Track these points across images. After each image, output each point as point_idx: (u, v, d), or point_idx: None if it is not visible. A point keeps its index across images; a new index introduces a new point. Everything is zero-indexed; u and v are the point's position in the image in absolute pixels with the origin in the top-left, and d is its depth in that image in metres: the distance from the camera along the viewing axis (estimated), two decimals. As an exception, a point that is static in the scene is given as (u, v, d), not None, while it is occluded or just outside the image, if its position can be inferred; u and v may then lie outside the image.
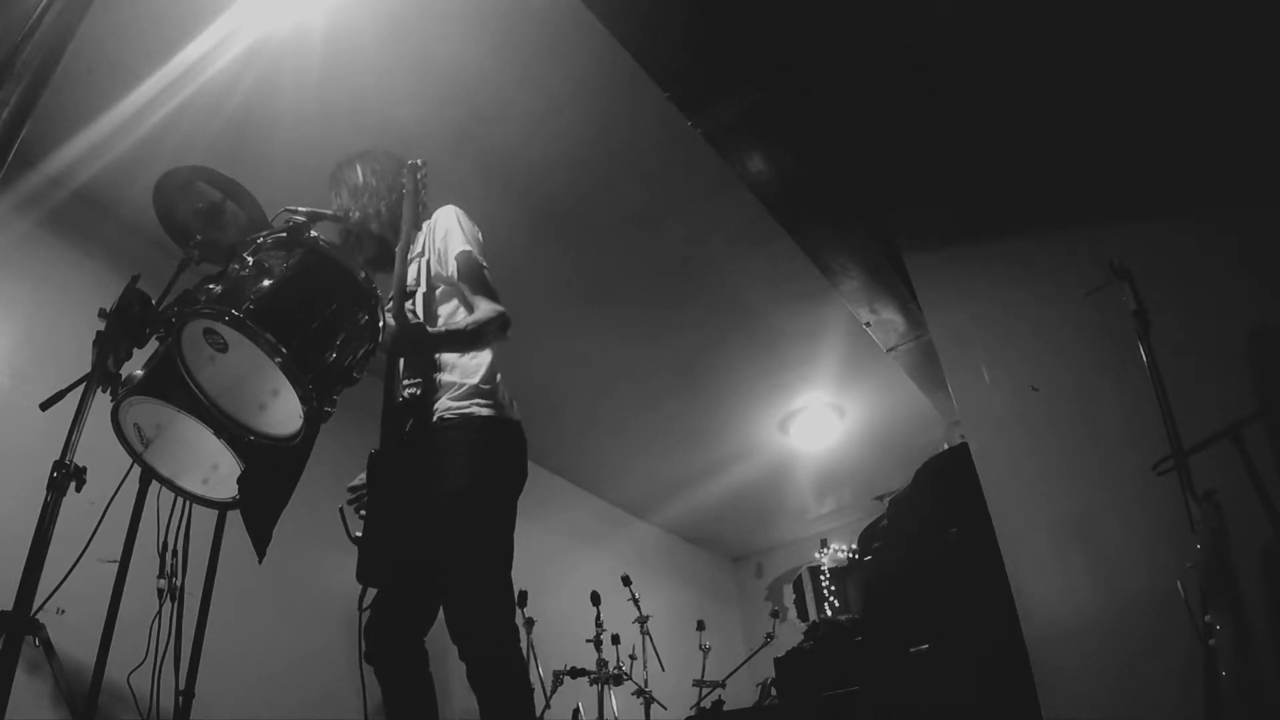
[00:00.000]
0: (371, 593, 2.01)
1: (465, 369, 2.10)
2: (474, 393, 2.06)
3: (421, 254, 2.22)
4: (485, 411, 2.05)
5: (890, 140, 3.29)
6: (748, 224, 3.69)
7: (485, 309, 2.06)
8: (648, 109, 3.03)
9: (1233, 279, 2.49)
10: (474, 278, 2.11)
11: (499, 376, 2.16)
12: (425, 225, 2.23)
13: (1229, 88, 2.67)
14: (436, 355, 2.09)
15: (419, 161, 2.07)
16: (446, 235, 2.16)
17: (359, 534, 2.04)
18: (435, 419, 2.02)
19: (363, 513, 2.10)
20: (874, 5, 2.76)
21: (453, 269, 2.12)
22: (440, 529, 1.92)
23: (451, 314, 2.14)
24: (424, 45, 2.93)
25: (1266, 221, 2.48)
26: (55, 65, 0.95)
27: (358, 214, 2.24)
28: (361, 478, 2.16)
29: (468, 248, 2.12)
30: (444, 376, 2.08)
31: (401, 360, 2.09)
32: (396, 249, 2.00)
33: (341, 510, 2.19)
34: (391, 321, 1.89)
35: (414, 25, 2.85)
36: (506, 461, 2.08)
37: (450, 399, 2.05)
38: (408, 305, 1.97)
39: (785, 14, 2.74)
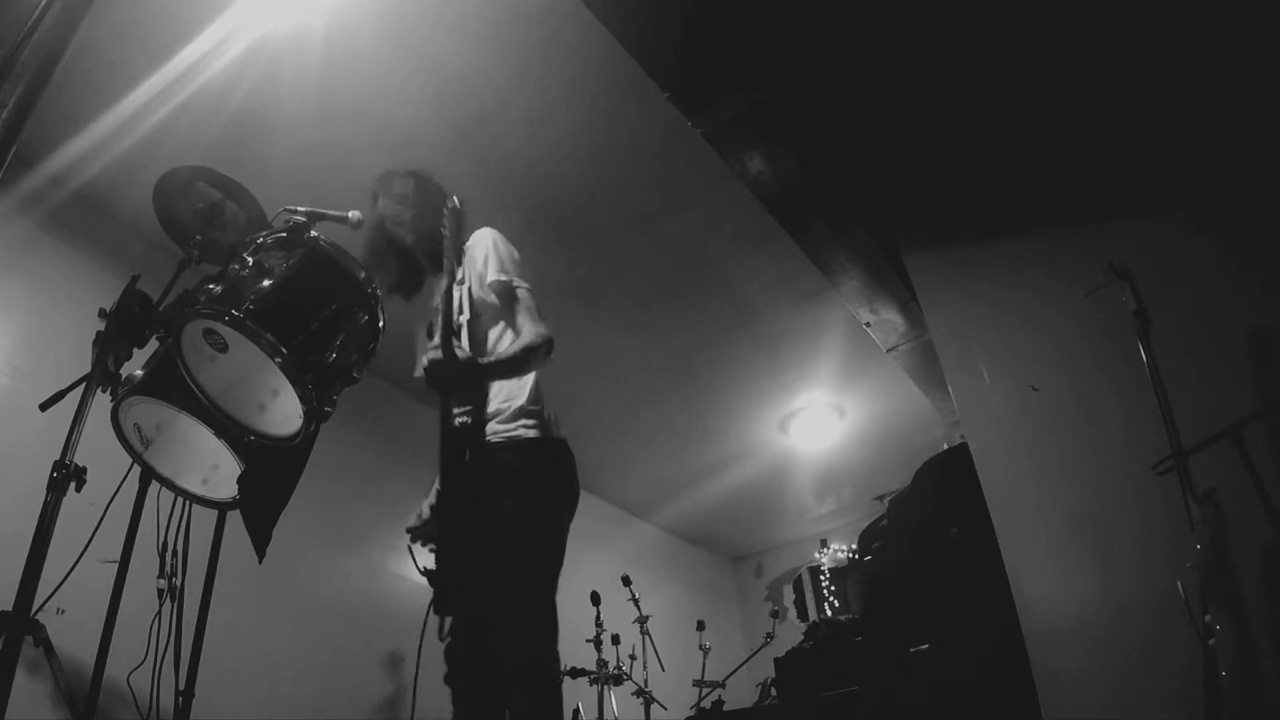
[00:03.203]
0: (447, 620, 2.01)
1: (510, 391, 2.13)
2: (520, 414, 2.10)
3: (461, 281, 2.22)
4: (531, 433, 2.08)
5: (890, 140, 3.28)
6: (748, 224, 3.69)
7: (530, 334, 2.09)
8: (648, 109, 3.03)
9: (1233, 279, 2.49)
10: (517, 301, 2.14)
11: (543, 395, 2.19)
12: (464, 250, 2.26)
13: (1229, 87, 2.67)
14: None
15: (457, 202, 2.08)
16: (485, 260, 2.19)
17: (427, 566, 2.00)
18: (486, 442, 2.04)
19: (430, 547, 2.09)
20: (874, 5, 2.76)
21: (493, 295, 2.14)
22: (491, 552, 1.93)
23: (498, 338, 2.17)
24: (424, 45, 2.93)
25: (1266, 221, 2.48)
26: (55, 65, 0.95)
27: (402, 226, 2.29)
28: (417, 515, 2.19)
29: (505, 275, 2.16)
30: (491, 401, 2.11)
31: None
32: (441, 286, 2.02)
33: (409, 546, 2.20)
34: (438, 356, 1.92)
35: (414, 25, 2.85)
36: (553, 480, 2.10)
37: (499, 422, 2.08)
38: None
39: (785, 14, 2.74)
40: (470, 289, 2.20)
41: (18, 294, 3.11)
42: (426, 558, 2.06)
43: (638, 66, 2.72)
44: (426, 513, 2.19)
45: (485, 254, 2.20)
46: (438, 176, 2.46)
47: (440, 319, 1.97)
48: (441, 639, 1.97)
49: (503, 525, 1.94)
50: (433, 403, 2.32)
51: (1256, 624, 1.95)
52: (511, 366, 2.09)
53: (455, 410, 2.05)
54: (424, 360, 1.96)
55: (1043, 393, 2.75)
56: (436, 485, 2.06)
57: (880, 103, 3.12)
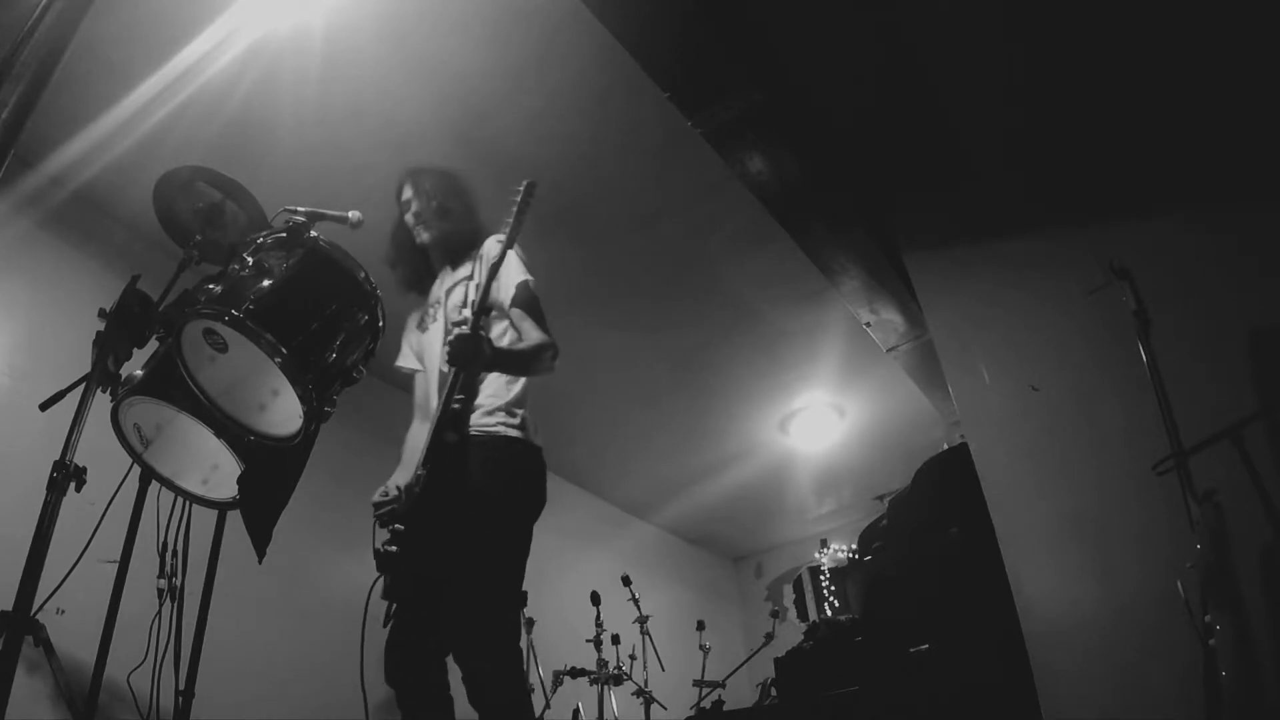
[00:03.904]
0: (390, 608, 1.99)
1: (498, 389, 2.15)
2: (501, 411, 2.11)
3: (471, 278, 2.23)
4: (510, 432, 2.10)
5: (890, 140, 3.28)
6: (748, 224, 3.69)
7: (538, 337, 2.11)
8: (648, 109, 3.03)
9: (1233, 279, 2.49)
10: (530, 307, 2.16)
11: (528, 402, 2.21)
12: (475, 253, 2.28)
13: (1229, 87, 2.67)
14: (481, 373, 2.12)
15: (531, 183, 2.10)
16: (503, 264, 2.18)
17: (380, 546, 1.97)
18: (467, 433, 2.06)
19: (397, 526, 2.05)
20: (874, 5, 2.76)
21: (508, 296, 2.15)
22: (451, 543, 1.93)
23: (499, 338, 2.18)
24: (424, 45, 2.93)
25: (1266, 221, 2.48)
26: (55, 65, 0.95)
27: (421, 222, 2.32)
28: (382, 491, 2.14)
29: (527, 278, 2.19)
30: (480, 393, 2.12)
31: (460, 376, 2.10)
32: (489, 266, 2.04)
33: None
34: (467, 333, 1.93)
35: (414, 25, 2.85)
36: (522, 482, 2.10)
37: (480, 415, 2.09)
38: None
39: (785, 14, 2.74)
40: (478, 287, 2.20)
41: (18, 294, 3.11)
42: (383, 538, 2.02)
43: (637, 66, 2.72)
44: (393, 491, 2.11)
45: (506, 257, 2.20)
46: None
47: (479, 296, 1.99)
48: (384, 625, 1.95)
49: (463, 519, 1.95)
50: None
51: (1256, 624, 1.95)
52: (521, 360, 2.11)
53: (455, 397, 2.06)
54: (452, 334, 1.98)
55: (1043, 393, 2.75)
56: (419, 467, 2.02)
57: (880, 103, 3.12)
